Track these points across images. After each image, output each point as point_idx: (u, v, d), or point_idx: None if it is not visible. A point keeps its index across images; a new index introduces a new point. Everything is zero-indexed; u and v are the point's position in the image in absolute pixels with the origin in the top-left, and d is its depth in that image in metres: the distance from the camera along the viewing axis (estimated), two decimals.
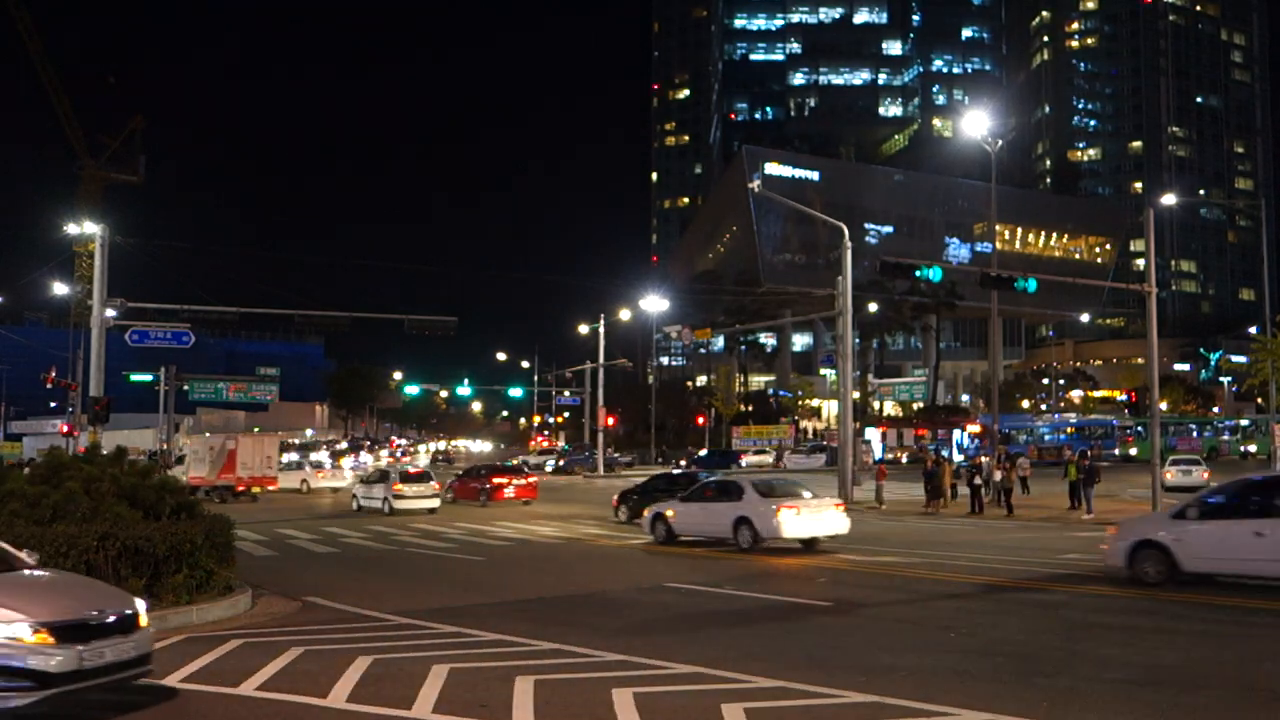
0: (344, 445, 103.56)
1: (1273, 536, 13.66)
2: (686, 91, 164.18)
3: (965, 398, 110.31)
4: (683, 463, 65.69)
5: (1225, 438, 66.38)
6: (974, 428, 70.99)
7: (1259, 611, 12.76)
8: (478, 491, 37.39)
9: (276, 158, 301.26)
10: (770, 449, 71.40)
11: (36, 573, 9.31)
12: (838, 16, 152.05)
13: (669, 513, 22.21)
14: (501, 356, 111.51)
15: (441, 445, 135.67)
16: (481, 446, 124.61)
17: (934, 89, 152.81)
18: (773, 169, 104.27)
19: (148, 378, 57.16)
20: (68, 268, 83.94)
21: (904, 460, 67.56)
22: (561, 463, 71.06)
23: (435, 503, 33.63)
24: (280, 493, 44.89)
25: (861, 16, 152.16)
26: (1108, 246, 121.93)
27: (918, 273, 28.47)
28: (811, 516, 20.47)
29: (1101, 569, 15.70)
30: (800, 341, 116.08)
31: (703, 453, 69.12)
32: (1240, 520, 14.31)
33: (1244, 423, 68.97)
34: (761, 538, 20.14)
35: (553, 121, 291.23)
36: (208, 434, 62.16)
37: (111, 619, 8.26)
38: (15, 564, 9.26)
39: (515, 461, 63.08)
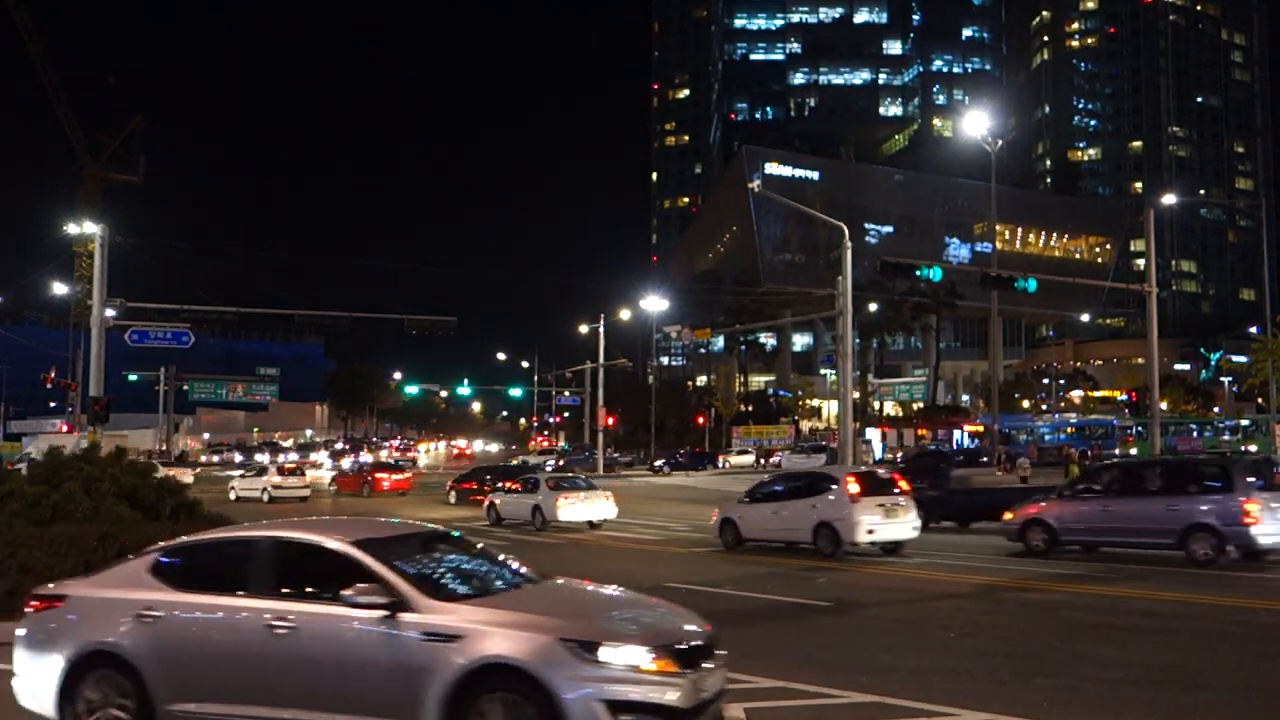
0: (340, 445, 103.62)
1: (779, 515, 20.13)
2: (686, 91, 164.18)
3: (965, 398, 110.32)
4: (658, 462, 67.61)
5: (1225, 438, 66.32)
6: (971, 426, 71.01)
7: (1259, 611, 12.77)
8: (360, 484, 45.01)
9: (277, 158, 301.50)
10: (752, 449, 71.63)
11: (559, 582, 8.06)
12: (838, 16, 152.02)
13: (498, 501, 29.15)
14: (501, 356, 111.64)
15: (441, 445, 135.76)
16: (488, 447, 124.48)
17: (934, 89, 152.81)
18: (773, 169, 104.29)
19: (138, 375, 57.18)
20: (68, 268, 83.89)
21: (898, 459, 67.50)
22: (561, 463, 71.07)
23: (306, 493, 40.78)
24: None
25: (861, 16, 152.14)
26: (1108, 246, 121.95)
27: (918, 273, 28.52)
28: (584, 506, 26.63)
29: (714, 540, 21.30)
30: (800, 341, 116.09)
31: (682, 452, 69.91)
32: (767, 503, 20.66)
33: (1244, 423, 68.90)
34: (547, 521, 26.40)
35: (553, 121, 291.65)
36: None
37: (704, 641, 6.90)
38: (518, 578, 7.74)
39: (515, 461, 69.28)
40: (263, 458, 73.95)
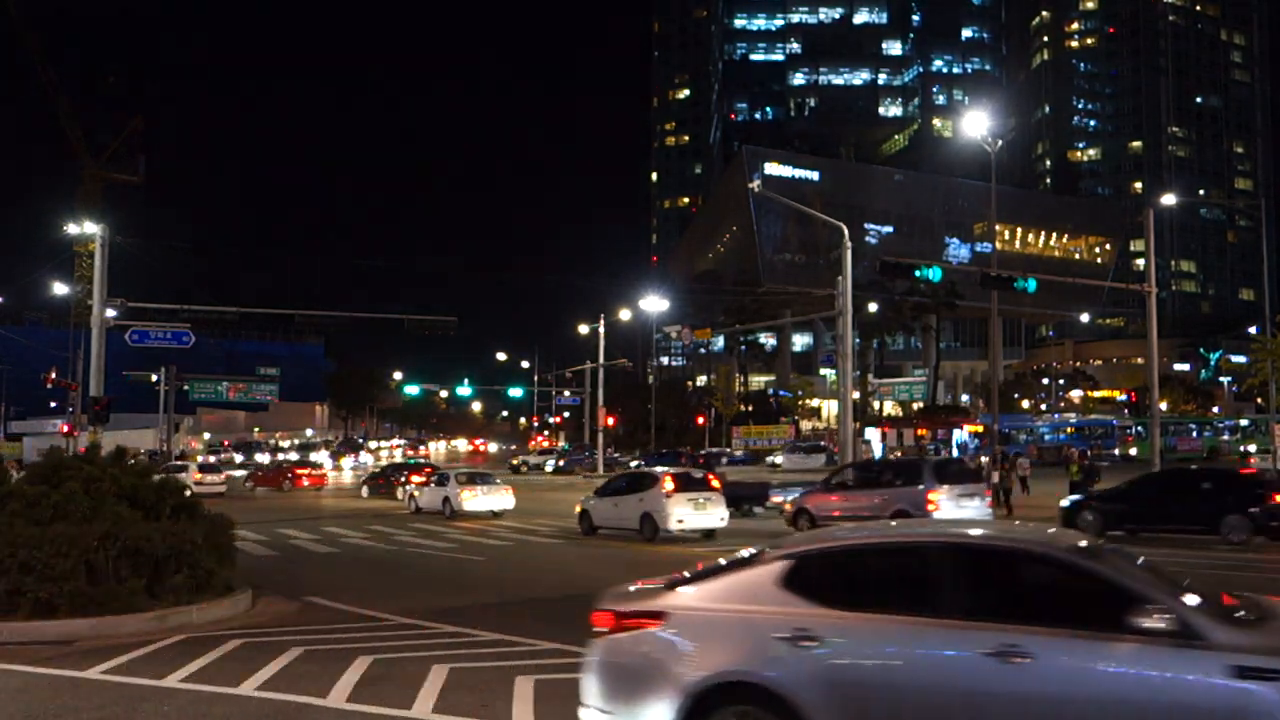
0: (338, 446, 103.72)
1: (617, 507, 24.08)
2: (686, 91, 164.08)
3: (965, 398, 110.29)
4: (634, 463, 67.11)
5: (1225, 437, 66.36)
6: (971, 426, 70.97)
7: None
8: (281, 480, 50.29)
9: (277, 158, 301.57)
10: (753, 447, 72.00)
11: None
12: (838, 16, 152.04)
13: (416, 493, 33.70)
14: (501, 356, 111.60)
15: (442, 444, 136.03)
16: (488, 447, 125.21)
17: (934, 89, 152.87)
18: (773, 169, 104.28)
19: (151, 377, 57.17)
20: (68, 268, 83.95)
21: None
22: (561, 463, 71.03)
23: (223, 489, 44.48)
24: None
25: (861, 16, 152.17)
26: (1108, 246, 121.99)
27: (917, 273, 28.54)
28: (485, 498, 31.07)
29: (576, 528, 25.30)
30: (800, 341, 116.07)
31: (664, 451, 70.13)
32: (610, 497, 24.63)
33: (1244, 423, 68.93)
34: (455, 511, 30.75)
35: (553, 121, 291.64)
36: None
37: None
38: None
39: (516, 461, 72.68)
40: (263, 457, 74.24)
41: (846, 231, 31.33)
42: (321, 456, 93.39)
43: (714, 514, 23.13)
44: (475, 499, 30.88)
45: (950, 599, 5.62)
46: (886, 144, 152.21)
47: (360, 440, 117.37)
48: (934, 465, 23.57)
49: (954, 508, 21.26)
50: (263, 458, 73.82)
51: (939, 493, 21.33)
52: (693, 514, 22.80)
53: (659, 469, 26.45)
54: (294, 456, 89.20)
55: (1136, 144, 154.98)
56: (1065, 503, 23.38)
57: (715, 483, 24.30)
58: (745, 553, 6.49)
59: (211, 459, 71.15)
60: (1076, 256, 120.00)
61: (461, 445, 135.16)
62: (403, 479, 39.21)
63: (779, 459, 66.85)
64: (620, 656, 6.19)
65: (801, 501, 24.16)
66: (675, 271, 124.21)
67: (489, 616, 12.76)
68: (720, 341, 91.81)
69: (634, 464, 67.83)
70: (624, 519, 23.67)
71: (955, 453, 63.26)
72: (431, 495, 32.37)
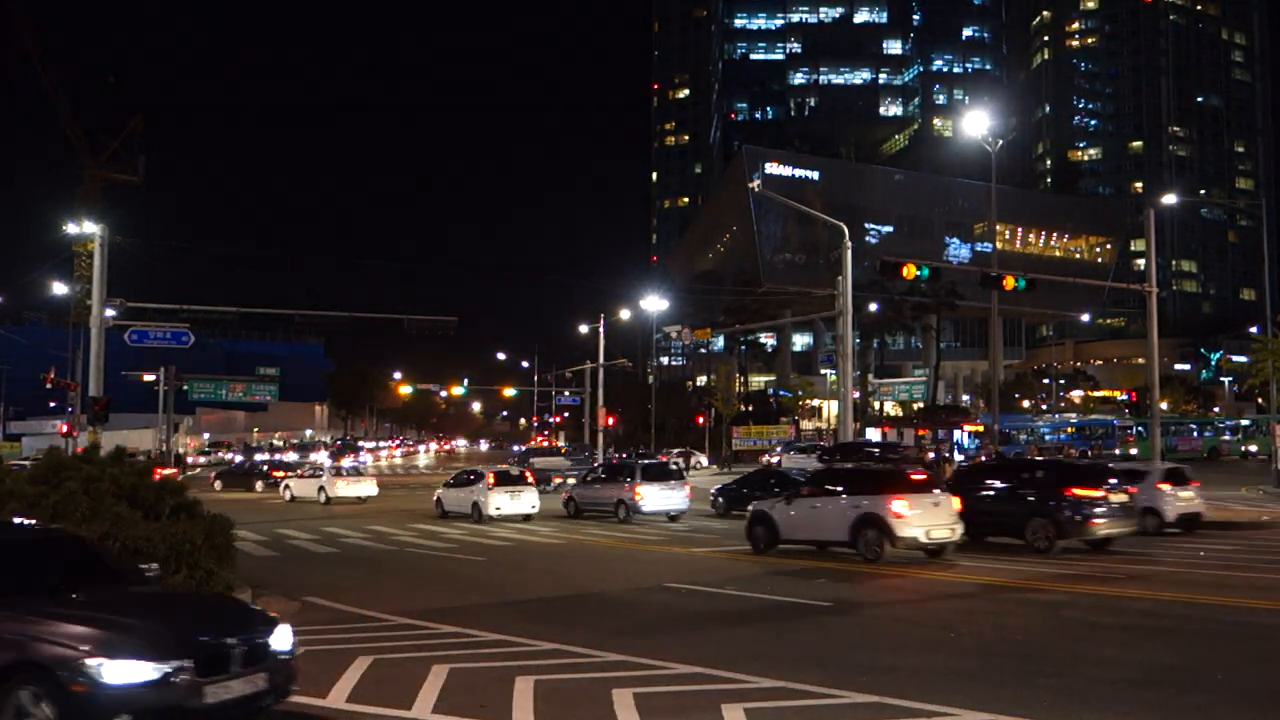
0: (336, 446, 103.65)
1: (457, 496, 30.51)
2: (686, 91, 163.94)
3: (966, 398, 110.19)
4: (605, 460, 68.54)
5: (1226, 438, 66.32)
6: (971, 426, 70.88)
7: (1259, 611, 12.76)
8: (252, 482, 49.65)
9: (276, 158, 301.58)
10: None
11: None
12: (838, 16, 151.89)
13: (293, 484, 40.18)
14: (501, 356, 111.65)
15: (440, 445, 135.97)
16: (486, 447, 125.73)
17: (934, 89, 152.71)
18: (773, 169, 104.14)
19: (149, 378, 57.11)
20: (67, 268, 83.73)
21: None
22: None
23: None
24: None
25: (861, 16, 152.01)
26: (1108, 246, 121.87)
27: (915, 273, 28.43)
28: (355, 487, 38.66)
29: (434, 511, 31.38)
30: (800, 341, 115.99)
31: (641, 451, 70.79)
32: (453, 489, 31.10)
33: (1244, 422, 68.90)
34: (330, 498, 37.69)
35: (552, 121, 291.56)
36: None
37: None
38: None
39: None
40: (263, 457, 74.06)
41: (846, 231, 31.33)
42: (321, 456, 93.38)
43: (526, 502, 29.88)
44: (349, 487, 38.41)
45: None
46: (887, 144, 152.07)
47: (348, 440, 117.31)
48: (643, 467, 30.54)
49: (660, 500, 28.65)
50: (262, 458, 73.75)
51: (644, 486, 28.58)
52: (509, 502, 29.46)
53: (484, 468, 34.50)
54: (294, 457, 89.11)
55: (1137, 144, 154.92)
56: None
57: (530, 478, 31.89)
58: None
59: (294, 457, 72.99)
60: (1077, 256, 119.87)
61: (461, 445, 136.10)
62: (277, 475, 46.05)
63: (776, 459, 66.87)
64: None
65: (570, 491, 32.47)
66: (675, 271, 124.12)
67: (489, 616, 12.75)
68: (720, 341, 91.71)
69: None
70: (462, 505, 30.32)
71: (955, 453, 63.12)
72: (306, 485, 39.49)
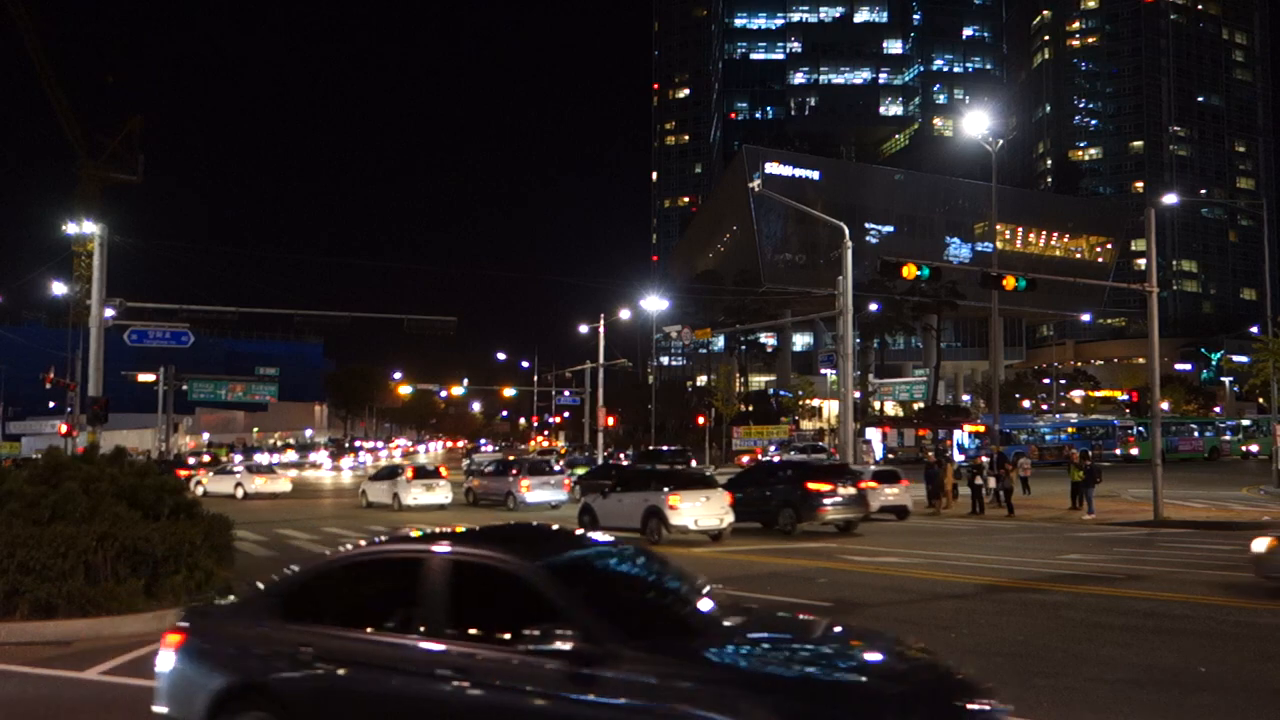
0: (335, 448, 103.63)
1: (381, 488, 34.88)
2: (686, 91, 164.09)
3: (966, 398, 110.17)
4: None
5: (1227, 438, 66.32)
6: (972, 426, 70.85)
7: (1260, 611, 12.75)
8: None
9: (277, 157, 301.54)
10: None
11: None
12: (838, 16, 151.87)
13: (205, 480, 43.94)
14: (501, 356, 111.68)
15: (436, 445, 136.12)
16: (487, 446, 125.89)
17: (934, 88, 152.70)
18: (773, 168, 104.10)
19: (148, 378, 57.10)
20: (66, 267, 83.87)
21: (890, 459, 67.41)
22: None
23: None
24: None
25: (862, 16, 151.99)
26: (1109, 246, 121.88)
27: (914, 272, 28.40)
28: (270, 483, 42.80)
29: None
30: (800, 341, 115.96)
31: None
32: (375, 482, 36.29)
33: (1245, 423, 68.91)
34: (248, 493, 42.07)
35: (553, 121, 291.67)
36: None
37: None
38: None
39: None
40: (262, 457, 74.15)
41: (847, 231, 31.34)
42: (320, 457, 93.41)
43: (440, 495, 34.53)
44: (265, 485, 42.61)
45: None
46: (887, 143, 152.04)
47: (346, 441, 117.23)
48: (528, 464, 36.39)
49: (543, 493, 33.52)
50: (261, 458, 73.70)
51: (529, 480, 33.82)
52: (425, 494, 34.21)
53: (405, 463, 40.19)
54: (293, 456, 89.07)
55: (1137, 143, 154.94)
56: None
57: (444, 471, 37.49)
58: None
59: (294, 457, 73.30)
60: (1077, 256, 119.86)
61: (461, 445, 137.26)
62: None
63: (775, 459, 66.86)
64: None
65: (467, 483, 37.71)
66: (675, 271, 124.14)
67: None
68: (720, 341, 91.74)
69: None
70: (383, 496, 34.53)
71: (956, 453, 63.15)
72: (220, 483, 43.05)
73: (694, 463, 50.34)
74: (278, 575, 6.84)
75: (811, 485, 23.76)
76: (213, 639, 6.32)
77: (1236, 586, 14.70)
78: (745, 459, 66.71)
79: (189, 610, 6.83)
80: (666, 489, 22.20)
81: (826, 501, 23.45)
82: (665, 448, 58.50)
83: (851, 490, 24.03)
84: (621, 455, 62.70)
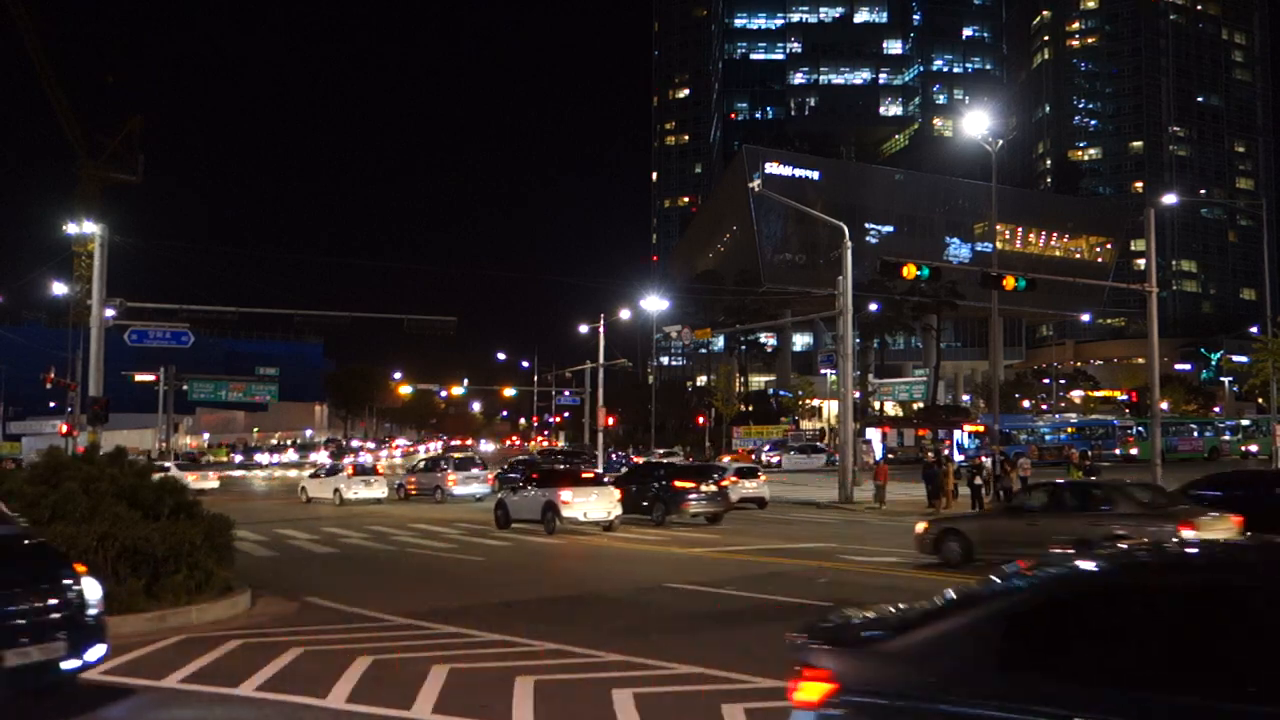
0: (334, 448, 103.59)
1: (324, 484, 38.75)
2: (686, 91, 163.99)
3: (966, 398, 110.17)
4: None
5: (1226, 438, 66.24)
6: (971, 426, 70.84)
7: None
8: None
9: (277, 157, 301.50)
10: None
11: None
12: (838, 16, 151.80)
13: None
14: (501, 356, 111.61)
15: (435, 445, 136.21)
16: (487, 446, 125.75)
17: (934, 88, 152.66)
18: (773, 168, 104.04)
19: (148, 378, 57.11)
20: (66, 267, 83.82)
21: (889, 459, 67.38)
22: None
23: None
24: None
25: (862, 16, 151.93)
26: (1108, 246, 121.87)
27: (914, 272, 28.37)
28: (199, 483, 42.38)
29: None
30: (800, 341, 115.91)
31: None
32: (318, 479, 40.63)
33: (1245, 423, 68.83)
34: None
35: (553, 121, 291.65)
36: None
37: None
38: None
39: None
40: (261, 457, 74.13)
41: (847, 231, 31.34)
42: (320, 456, 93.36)
43: (377, 490, 38.08)
44: (195, 483, 44.37)
45: None
46: (887, 143, 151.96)
47: (343, 441, 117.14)
48: (454, 461, 41.80)
49: (467, 486, 37.99)
50: (262, 458, 73.70)
51: (454, 474, 38.53)
52: (364, 489, 37.54)
53: (346, 460, 44.32)
54: (293, 456, 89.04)
55: (1137, 143, 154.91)
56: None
57: (380, 469, 42.60)
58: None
59: (294, 456, 73.62)
60: (1077, 256, 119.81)
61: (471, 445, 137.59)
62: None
63: (775, 458, 67.01)
64: None
65: (402, 479, 41.78)
66: (675, 271, 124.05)
67: (489, 616, 12.73)
68: (720, 341, 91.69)
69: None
70: (324, 491, 37.90)
71: (956, 453, 63.16)
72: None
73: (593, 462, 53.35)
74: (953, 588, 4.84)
75: (678, 483, 27.65)
76: (898, 695, 4.05)
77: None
78: (726, 459, 67.01)
79: (826, 639, 4.53)
80: (560, 486, 25.61)
81: (691, 497, 27.12)
82: (562, 445, 65.63)
83: (713, 488, 27.65)
84: (616, 455, 63.19)
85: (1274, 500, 18.21)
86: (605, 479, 28.25)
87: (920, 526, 18.50)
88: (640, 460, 54.93)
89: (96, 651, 7.93)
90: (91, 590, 7.94)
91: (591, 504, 25.30)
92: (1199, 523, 14.90)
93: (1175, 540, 11.68)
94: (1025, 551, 13.83)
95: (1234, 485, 19.39)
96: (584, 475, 28.39)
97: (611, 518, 25.49)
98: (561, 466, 38.43)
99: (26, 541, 8.86)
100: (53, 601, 7.50)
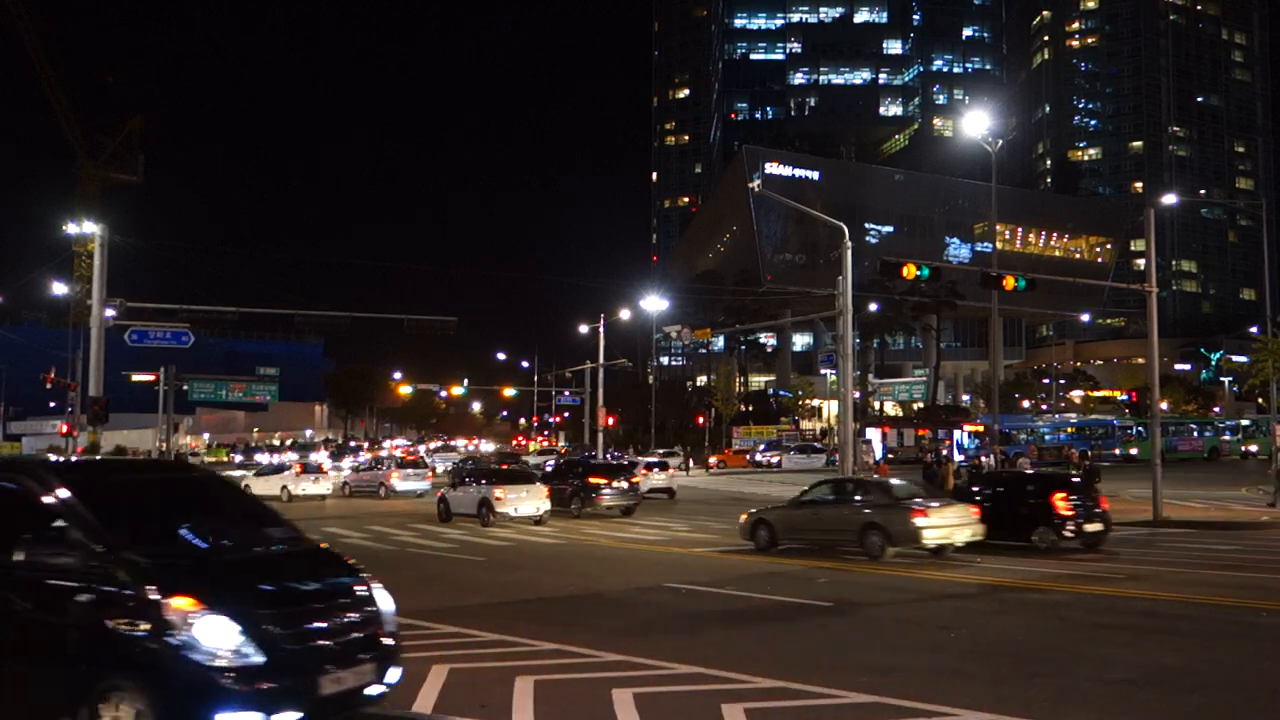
0: (334, 448, 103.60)
1: (272, 482, 40.19)
2: (686, 91, 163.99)
3: (966, 398, 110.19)
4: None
5: (1226, 438, 66.29)
6: (971, 426, 70.88)
7: (1259, 611, 12.76)
8: None
9: (277, 157, 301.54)
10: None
11: None
12: (838, 16, 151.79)
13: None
14: (501, 356, 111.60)
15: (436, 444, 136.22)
16: (486, 446, 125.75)
17: (934, 88, 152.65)
18: (773, 169, 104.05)
19: (147, 378, 57.04)
20: (66, 268, 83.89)
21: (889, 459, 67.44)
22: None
23: None
24: None
25: (862, 16, 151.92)
26: (1108, 246, 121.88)
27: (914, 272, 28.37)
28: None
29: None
30: (800, 341, 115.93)
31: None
32: (261, 477, 41.77)
33: (1245, 423, 68.89)
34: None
35: (553, 121, 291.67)
36: None
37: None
38: None
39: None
40: (261, 457, 74.18)
41: (847, 231, 31.28)
42: (321, 456, 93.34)
43: (323, 487, 41.08)
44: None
45: None
46: (887, 144, 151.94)
47: (342, 442, 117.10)
48: (397, 460, 45.25)
49: (409, 483, 41.74)
50: (262, 458, 73.65)
51: (396, 473, 42.76)
52: (312, 486, 40.42)
53: (346, 460, 47.94)
54: (293, 456, 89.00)
55: (1137, 143, 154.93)
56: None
57: (324, 468, 45.02)
58: None
59: (294, 457, 74.00)
60: (1077, 256, 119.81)
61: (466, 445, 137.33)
62: None
63: (775, 458, 67.07)
64: None
65: (349, 478, 45.66)
66: (675, 271, 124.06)
67: (489, 616, 12.74)
68: (720, 341, 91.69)
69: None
70: (271, 489, 38.52)
71: (955, 453, 63.19)
72: None
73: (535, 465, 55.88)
74: None
75: (591, 479, 30.61)
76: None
77: (1236, 586, 14.72)
78: (714, 460, 67.27)
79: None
80: (494, 484, 27.81)
81: (604, 492, 30.06)
82: (562, 446, 70.37)
83: (624, 484, 30.64)
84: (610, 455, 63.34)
85: (1016, 495, 21.24)
86: (535, 477, 31.07)
87: (742, 518, 21.58)
88: (569, 459, 56.93)
89: (394, 674, 7.13)
90: (385, 603, 7.21)
91: (523, 500, 27.50)
92: (929, 510, 18.39)
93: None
94: (811, 535, 19.66)
95: (991, 484, 22.89)
96: (516, 474, 31.33)
97: (540, 513, 27.56)
98: (501, 467, 40.32)
99: (320, 550, 8.17)
100: (353, 618, 6.79)
